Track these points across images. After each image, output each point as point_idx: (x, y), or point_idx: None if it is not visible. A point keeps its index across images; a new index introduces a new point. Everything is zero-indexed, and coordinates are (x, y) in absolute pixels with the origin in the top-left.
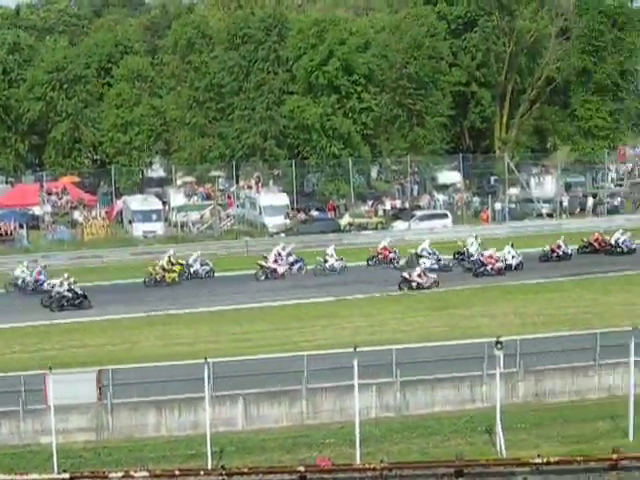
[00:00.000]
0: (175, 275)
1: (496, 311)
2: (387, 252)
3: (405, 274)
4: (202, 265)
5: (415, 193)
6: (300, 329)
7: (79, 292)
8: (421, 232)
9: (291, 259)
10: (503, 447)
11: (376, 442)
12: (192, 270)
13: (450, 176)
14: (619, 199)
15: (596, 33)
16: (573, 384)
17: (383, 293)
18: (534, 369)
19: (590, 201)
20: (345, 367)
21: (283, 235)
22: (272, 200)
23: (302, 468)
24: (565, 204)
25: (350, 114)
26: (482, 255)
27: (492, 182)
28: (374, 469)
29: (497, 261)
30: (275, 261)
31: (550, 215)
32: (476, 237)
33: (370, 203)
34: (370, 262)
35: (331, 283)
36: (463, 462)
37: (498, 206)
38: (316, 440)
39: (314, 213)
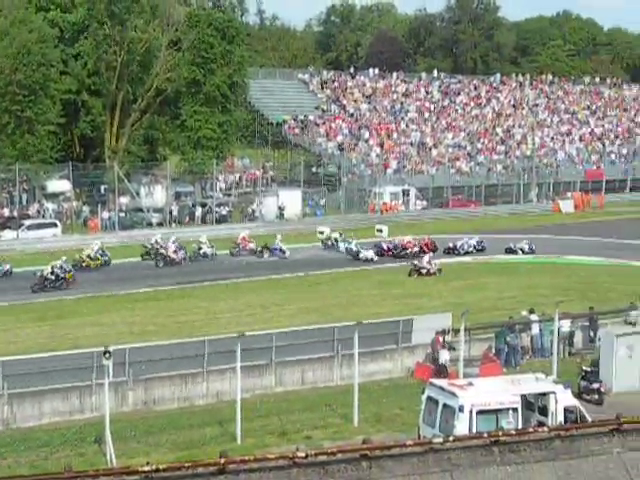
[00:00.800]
0: (99, 262)
1: (107, 320)
2: (246, 242)
3: (416, 262)
4: (102, 255)
5: (24, 202)
6: None
7: (60, 275)
8: (30, 242)
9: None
10: (113, 456)
11: None
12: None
13: (60, 185)
14: (227, 209)
15: (206, 45)
16: (182, 391)
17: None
18: (144, 377)
19: (199, 210)
20: None
21: None
22: None
23: None
24: (175, 213)
25: None
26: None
27: (102, 191)
28: None
29: (414, 246)
30: (175, 251)
31: (160, 224)
32: (340, 234)
33: None
34: (233, 252)
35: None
36: (72, 473)
37: (106, 215)
38: None
39: None
